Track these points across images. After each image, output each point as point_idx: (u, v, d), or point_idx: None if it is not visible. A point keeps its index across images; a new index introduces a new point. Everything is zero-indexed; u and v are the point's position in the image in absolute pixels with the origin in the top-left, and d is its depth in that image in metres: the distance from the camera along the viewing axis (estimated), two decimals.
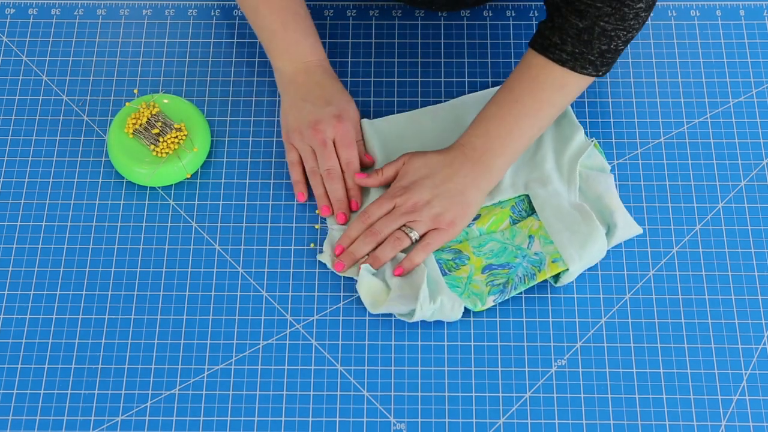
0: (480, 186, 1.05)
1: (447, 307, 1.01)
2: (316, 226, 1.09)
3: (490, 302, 1.03)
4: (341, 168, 1.09)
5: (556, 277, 1.04)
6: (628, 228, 1.05)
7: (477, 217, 1.07)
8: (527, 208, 1.08)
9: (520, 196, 1.08)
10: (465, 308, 1.03)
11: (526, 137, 1.05)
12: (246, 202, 1.10)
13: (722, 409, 1.00)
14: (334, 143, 1.09)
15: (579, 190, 1.07)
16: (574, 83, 1.04)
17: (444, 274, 1.04)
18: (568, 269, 1.02)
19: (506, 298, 1.03)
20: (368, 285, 1.03)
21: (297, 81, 1.11)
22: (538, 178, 1.08)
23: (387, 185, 1.09)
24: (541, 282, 1.05)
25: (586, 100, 1.16)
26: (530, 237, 1.05)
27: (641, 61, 1.18)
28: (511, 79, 1.06)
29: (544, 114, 1.05)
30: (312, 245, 1.08)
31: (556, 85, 1.04)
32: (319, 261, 1.07)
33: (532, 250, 1.05)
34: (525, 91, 1.04)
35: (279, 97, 1.13)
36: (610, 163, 1.12)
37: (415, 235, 1.04)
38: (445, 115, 1.13)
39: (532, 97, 1.04)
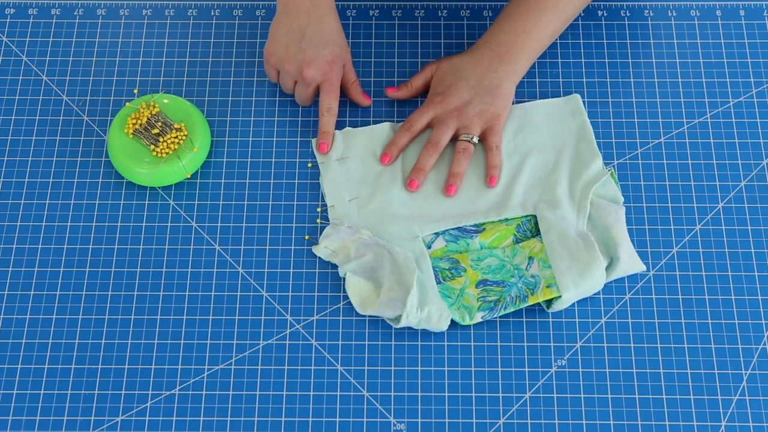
0: (511, 78, 1.10)
1: (434, 317, 1.01)
2: (318, 221, 1.09)
3: (478, 318, 1.02)
4: (321, 111, 1.11)
5: (549, 302, 1.03)
6: (631, 263, 1.04)
7: (481, 230, 1.07)
8: (533, 228, 1.07)
9: (527, 216, 1.08)
10: (452, 321, 1.03)
11: (549, 31, 1.11)
12: (246, 202, 1.10)
13: (722, 409, 1.00)
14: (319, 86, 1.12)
15: (588, 218, 1.07)
16: None
17: (438, 282, 1.04)
18: (560, 296, 1.02)
19: (495, 316, 1.03)
20: (356, 285, 1.04)
21: (301, 7, 1.10)
22: (549, 200, 1.07)
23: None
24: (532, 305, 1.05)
25: (586, 100, 1.16)
26: (530, 258, 1.05)
27: (641, 61, 1.18)
28: None
29: (564, 6, 1.11)
30: (307, 237, 1.08)
31: None
32: (319, 261, 1.07)
33: (529, 271, 1.04)
34: None
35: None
36: (610, 163, 1.12)
37: (475, 140, 1.09)
38: None
39: None
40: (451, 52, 1.19)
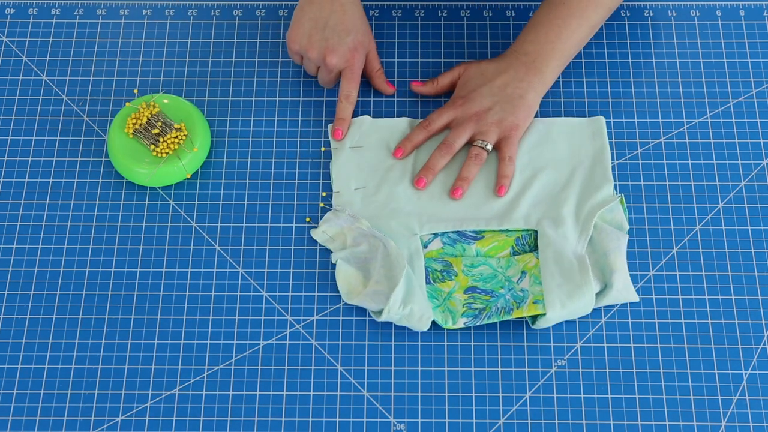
0: (536, 89, 1.10)
1: (416, 316, 1.01)
2: (321, 204, 1.09)
3: (460, 323, 1.02)
4: (340, 97, 1.13)
5: (534, 319, 1.03)
6: (624, 292, 1.03)
7: (480, 238, 1.07)
8: (531, 243, 1.07)
9: (528, 230, 1.08)
10: (434, 323, 1.03)
11: (575, 39, 1.10)
12: (246, 202, 1.10)
13: (722, 409, 1.00)
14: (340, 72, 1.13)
15: (589, 242, 1.06)
16: None
17: (428, 282, 1.04)
18: (545, 314, 1.01)
19: (477, 324, 1.02)
20: (345, 273, 1.04)
21: None
22: (553, 217, 1.07)
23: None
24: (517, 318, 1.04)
25: (586, 100, 1.16)
26: (523, 272, 1.04)
27: (641, 61, 1.18)
28: None
29: (590, 14, 1.10)
30: (308, 219, 1.08)
31: None
32: (319, 262, 1.07)
33: (519, 285, 1.04)
34: None
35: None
36: (610, 163, 1.12)
37: (489, 147, 1.09)
38: None
39: None
40: (450, 53, 1.19)
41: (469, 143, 1.11)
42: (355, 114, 1.15)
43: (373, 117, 1.15)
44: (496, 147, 1.10)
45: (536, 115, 1.14)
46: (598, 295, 1.03)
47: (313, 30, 1.10)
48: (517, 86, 1.09)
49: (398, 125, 1.13)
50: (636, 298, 1.04)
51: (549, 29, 1.10)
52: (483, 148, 1.09)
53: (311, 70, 1.15)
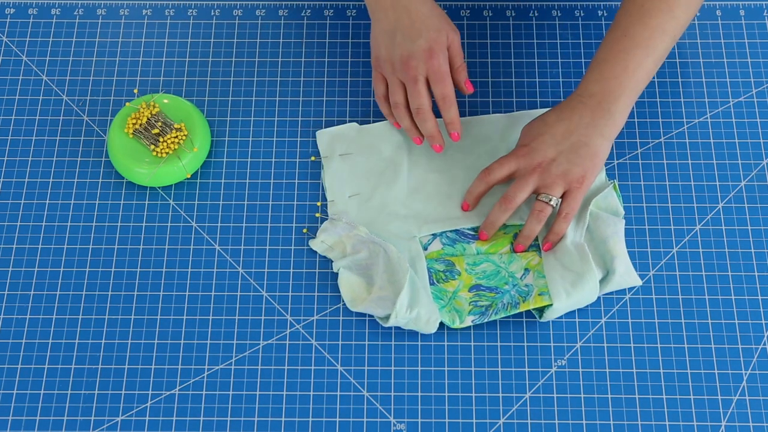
0: (603, 133, 1.02)
1: (423, 319, 1.01)
2: (317, 214, 1.09)
3: (468, 322, 1.02)
4: (436, 102, 1.06)
5: (541, 312, 1.03)
6: (627, 276, 1.03)
7: (478, 236, 1.07)
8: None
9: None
10: (441, 323, 1.03)
11: (644, 71, 1.02)
12: (246, 202, 1.10)
13: (722, 409, 1.00)
14: (427, 79, 1.05)
15: (587, 230, 1.06)
16: (682, 5, 1.01)
17: (431, 283, 1.04)
18: (552, 305, 1.01)
19: (485, 321, 1.03)
20: (348, 281, 1.04)
21: (384, 5, 1.05)
22: None
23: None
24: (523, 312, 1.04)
25: None
26: (526, 269, 1.05)
27: None
28: (618, 15, 1.03)
29: (656, 43, 1.01)
30: (305, 230, 1.08)
31: (664, 9, 1.00)
32: (319, 262, 1.07)
33: (524, 281, 1.04)
34: (632, 22, 1.01)
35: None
36: (610, 163, 1.12)
37: (554, 201, 1.02)
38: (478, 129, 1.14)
39: (642, 26, 1.01)
40: None
41: (534, 193, 1.05)
42: (352, 115, 1.15)
43: (370, 119, 1.15)
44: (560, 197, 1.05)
45: (540, 105, 1.14)
46: (601, 282, 1.03)
47: (386, 43, 1.05)
48: (581, 133, 1.01)
49: (386, 128, 1.13)
50: (639, 282, 1.04)
51: (614, 64, 1.01)
52: (547, 203, 1.02)
53: (399, 98, 1.07)
